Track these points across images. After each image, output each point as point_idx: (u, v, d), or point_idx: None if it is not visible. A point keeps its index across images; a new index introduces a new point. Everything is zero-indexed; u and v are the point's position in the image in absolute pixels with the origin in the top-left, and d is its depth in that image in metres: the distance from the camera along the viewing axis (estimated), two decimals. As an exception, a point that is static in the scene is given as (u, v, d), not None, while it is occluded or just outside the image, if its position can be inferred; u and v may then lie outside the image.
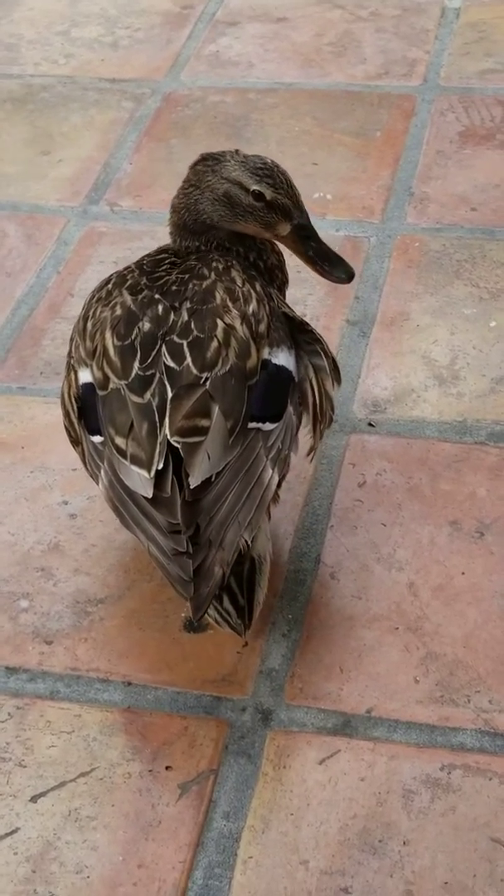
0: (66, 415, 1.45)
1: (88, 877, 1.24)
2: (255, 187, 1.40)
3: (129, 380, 1.33)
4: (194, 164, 1.47)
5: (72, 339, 1.46)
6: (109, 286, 1.45)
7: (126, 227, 2.12)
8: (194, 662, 1.43)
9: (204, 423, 1.29)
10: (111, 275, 1.48)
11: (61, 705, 1.39)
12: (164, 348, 1.34)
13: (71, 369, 1.44)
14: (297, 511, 1.59)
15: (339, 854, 1.24)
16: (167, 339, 1.35)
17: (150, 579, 1.52)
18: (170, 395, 1.31)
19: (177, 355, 1.34)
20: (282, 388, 1.37)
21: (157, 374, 1.33)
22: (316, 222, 2.08)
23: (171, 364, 1.33)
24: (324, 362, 1.43)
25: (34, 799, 1.30)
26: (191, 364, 1.32)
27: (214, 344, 1.34)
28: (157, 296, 1.40)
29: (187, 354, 1.33)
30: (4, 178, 2.27)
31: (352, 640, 1.44)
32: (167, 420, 1.30)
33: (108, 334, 1.37)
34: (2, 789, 1.31)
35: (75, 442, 1.45)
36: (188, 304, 1.37)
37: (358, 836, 1.25)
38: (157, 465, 1.28)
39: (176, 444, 1.29)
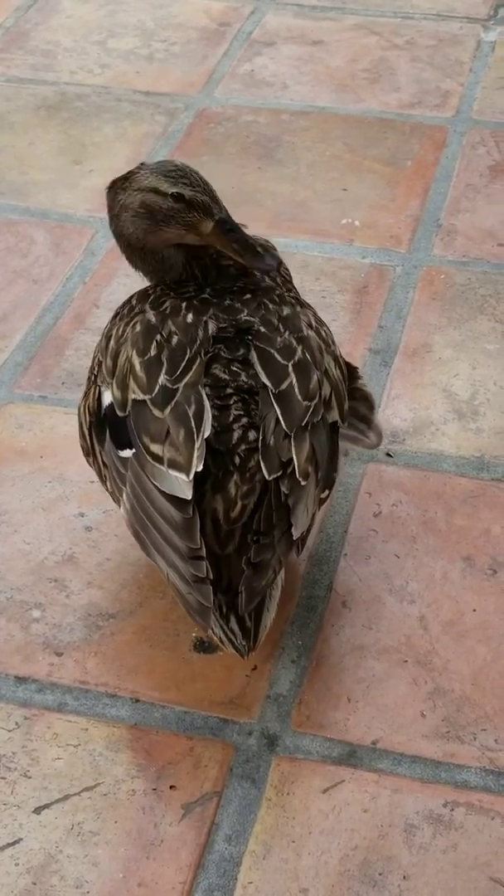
0: (80, 426, 1.47)
1: (88, 892, 1.24)
2: (172, 190, 1.40)
3: (153, 394, 1.34)
4: (107, 190, 1.47)
5: (94, 357, 1.48)
6: (133, 301, 1.47)
7: (154, 242, 2.12)
8: (203, 683, 1.43)
9: (310, 470, 1.34)
10: (133, 294, 1.50)
11: (69, 718, 1.40)
12: (254, 356, 1.38)
13: (93, 385, 1.45)
14: (312, 537, 1.60)
15: (339, 885, 1.25)
16: (261, 348, 1.38)
17: (162, 596, 1.52)
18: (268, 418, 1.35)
19: (278, 376, 1.37)
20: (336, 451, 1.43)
21: (197, 385, 1.34)
22: (343, 248, 2.11)
23: (269, 384, 1.36)
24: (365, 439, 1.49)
25: (38, 811, 1.31)
26: (297, 389, 1.36)
27: (314, 378, 1.38)
28: (184, 305, 1.42)
29: (293, 377, 1.36)
30: (35, 185, 2.28)
31: (361, 670, 1.44)
32: (272, 456, 1.32)
33: (131, 351, 1.38)
34: (6, 799, 1.32)
35: (87, 453, 1.47)
36: (288, 333, 1.40)
37: (358, 868, 1.26)
38: (197, 468, 1.29)
39: (284, 489, 1.32)
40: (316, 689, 1.42)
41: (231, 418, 1.35)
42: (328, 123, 2.45)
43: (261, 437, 1.33)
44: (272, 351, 1.38)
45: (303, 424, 1.34)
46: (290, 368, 1.37)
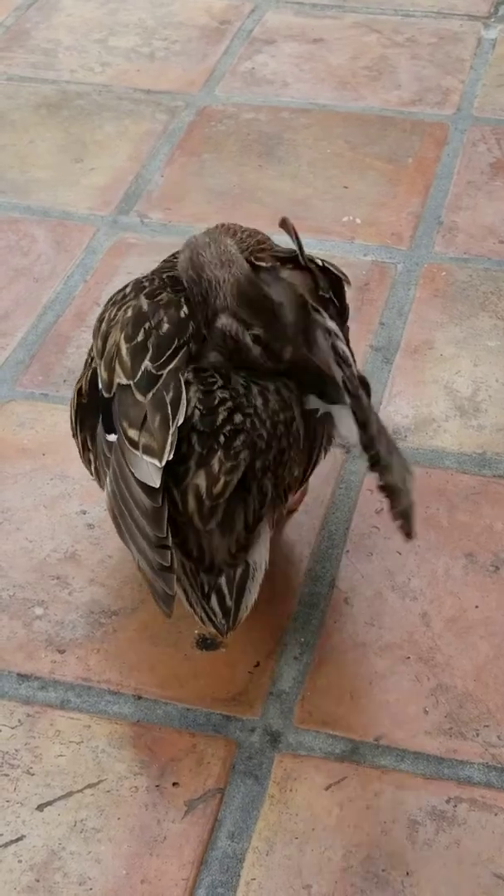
0: (71, 405, 1.49)
1: (91, 889, 1.24)
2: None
3: (136, 378, 1.34)
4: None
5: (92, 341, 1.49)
6: (126, 289, 1.47)
7: (155, 240, 2.13)
8: (205, 680, 1.43)
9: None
10: (129, 282, 1.49)
11: (71, 715, 1.40)
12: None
13: (88, 367, 1.47)
14: (314, 534, 1.60)
15: (342, 881, 1.25)
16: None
17: (164, 594, 1.52)
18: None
19: None
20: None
21: (178, 371, 1.34)
22: (344, 246, 2.11)
23: None
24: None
25: (41, 808, 1.31)
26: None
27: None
28: (180, 299, 1.41)
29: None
30: (36, 184, 2.28)
31: (363, 666, 1.44)
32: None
33: (119, 335, 1.39)
34: (9, 796, 1.32)
35: (73, 433, 1.49)
36: None
37: (361, 865, 1.26)
38: (168, 456, 1.29)
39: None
40: (318, 685, 1.42)
41: (216, 401, 1.35)
42: (329, 121, 2.44)
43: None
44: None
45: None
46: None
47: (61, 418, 1.77)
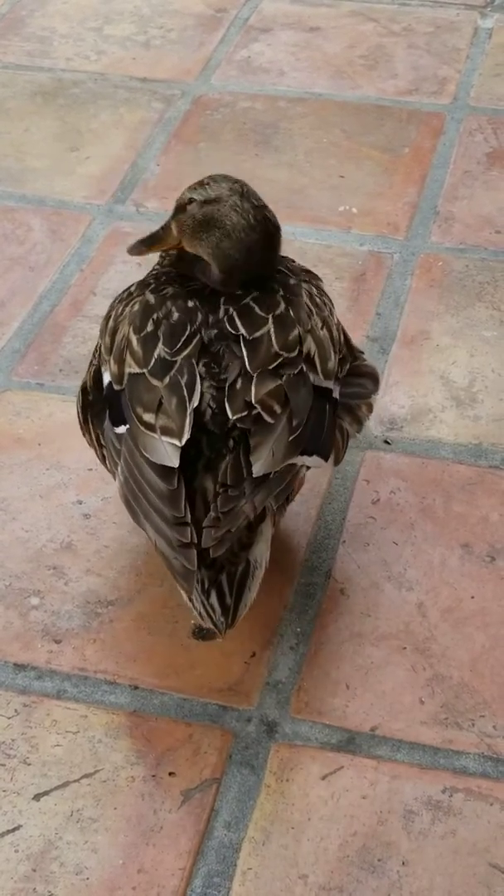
0: (77, 402, 1.49)
1: (88, 878, 1.25)
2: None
3: (150, 366, 1.35)
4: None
5: (98, 340, 1.49)
6: (132, 288, 1.49)
7: (151, 229, 2.09)
8: (202, 670, 1.43)
9: (277, 409, 1.33)
10: (133, 283, 1.51)
11: (68, 705, 1.40)
12: (232, 318, 1.38)
13: (92, 365, 1.47)
14: (310, 524, 1.60)
15: (338, 871, 1.25)
16: (244, 304, 1.39)
17: (160, 584, 1.52)
18: (236, 370, 1.35)
19: (255, 325, 1.37)
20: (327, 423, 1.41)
21: (192, 358, 1.35)
22: (340, 236, 2.11)
23: (244, 332, 1.36)
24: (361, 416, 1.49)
25: (37, 797, 1.31)
26: (273, 338, 1.36)
27: (295, 332, 1.38)
28: (186, 292, 1.42)
29: (271, 327, 1.37)
30: (32, 172, 2.27)
31: (359, 657, 1.45)
32: (237, 397, 1.33)
33: (128, 328, 1.40)
34: (6, 786, 1.32)
35: (82, 429, 1.49)
36: (279, 295, 1.41)
37: (357, 854, 1.26)
38: (187, 435, 1.30)
39: (240, 423, 1.32)
40: (315, 675, 1.43)
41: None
42: (325, 110, 2.44)
43: (227, 383, 1.34)
44: (254, 306, 1.39)
45: (270, 368, 1.35)
46: (270, 320, 1.38)
47: (57, 408, 1.77)
